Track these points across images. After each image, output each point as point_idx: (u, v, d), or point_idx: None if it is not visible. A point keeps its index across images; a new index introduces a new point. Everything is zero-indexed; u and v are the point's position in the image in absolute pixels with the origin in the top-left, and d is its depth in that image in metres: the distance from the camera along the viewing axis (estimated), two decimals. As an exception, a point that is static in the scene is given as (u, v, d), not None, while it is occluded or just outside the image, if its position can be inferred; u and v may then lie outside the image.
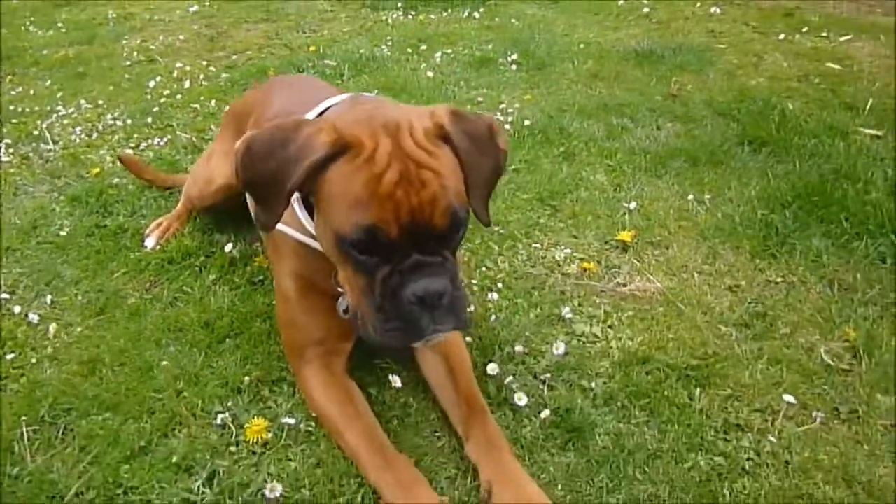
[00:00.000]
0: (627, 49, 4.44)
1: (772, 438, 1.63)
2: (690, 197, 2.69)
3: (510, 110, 3.50)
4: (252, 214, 1.53)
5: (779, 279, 2.23)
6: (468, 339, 1.86)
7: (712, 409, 1.71)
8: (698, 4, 5.41)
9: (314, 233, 1.54)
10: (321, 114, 1.62)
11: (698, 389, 1.76)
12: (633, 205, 2.60)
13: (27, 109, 3.74)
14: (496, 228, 2.45)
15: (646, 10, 5.30)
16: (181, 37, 4.96)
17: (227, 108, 3.05)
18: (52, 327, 2.07)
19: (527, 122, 3.29)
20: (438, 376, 1.71)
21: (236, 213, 2.32)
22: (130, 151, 3.22)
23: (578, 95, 3.74)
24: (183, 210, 2.57)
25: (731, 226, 2.49)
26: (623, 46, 4.51)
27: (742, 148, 3.09)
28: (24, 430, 1.70)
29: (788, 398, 1.73)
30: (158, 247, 2.43)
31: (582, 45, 4.52)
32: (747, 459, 1.58)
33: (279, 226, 1.65)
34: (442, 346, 1.71)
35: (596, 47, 4.52)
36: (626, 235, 2.38)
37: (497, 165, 1.53)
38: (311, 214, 1.55)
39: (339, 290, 1.62)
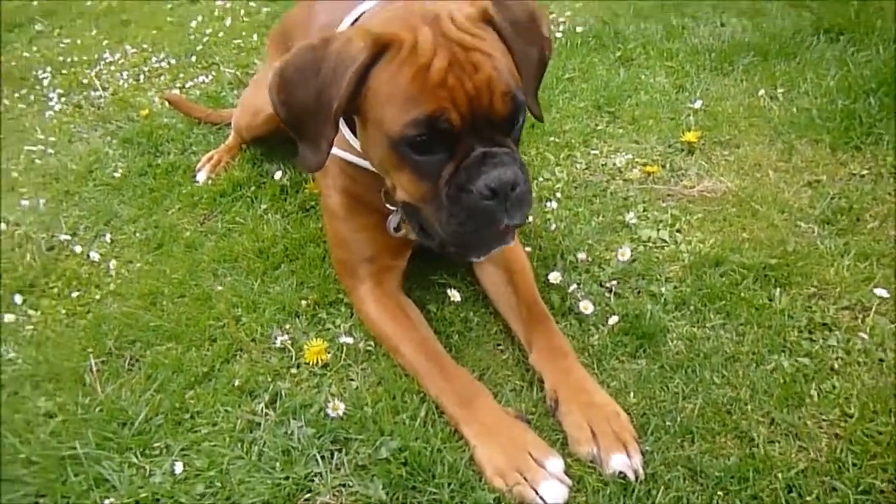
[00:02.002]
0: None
1: (863, 336, 1.50)
2: (761, 93, 2.49)
3: (561, 19, 3.31)
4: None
5: (864, 171, 2.04)
6: (528, 248, 1.77)
7: (794, 308, 1.59)
8: None
9: (360, 150, 1.47)
10: (354, 23, 1.52)
11: (778, 289, 1.64)
12: (697, 104, 2.42)
13: (76, 59, 3.76)
14: (552, 138, 2.33)
15: None
16: (221, -25, 4.86)
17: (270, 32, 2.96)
18: (113, 264, 2.09)
19: (579, 29, 3.10)
20: (498, 286, 1.64)
21: (285, 142, 2.27)
22: (177, 91, 3.19)
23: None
24: (233, 143, 2.54)
25: (807, 119, 2.29)
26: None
27: (817, 38, 2.84)
28: (93, 362, 1.72)
29: (881, 292, 1.59)
30: (210, 180, 2.41)
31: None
32: (836, 359, 1.46)
33: None
34: (501, 255, 1.63)
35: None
36: (691, 136, 2.22)
37: (543, 54, 1.42)
38: (353, 132, 1.48)
39: (389, 206, 1.55)
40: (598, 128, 2.40)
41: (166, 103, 3.06)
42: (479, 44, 1.24)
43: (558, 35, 3.08)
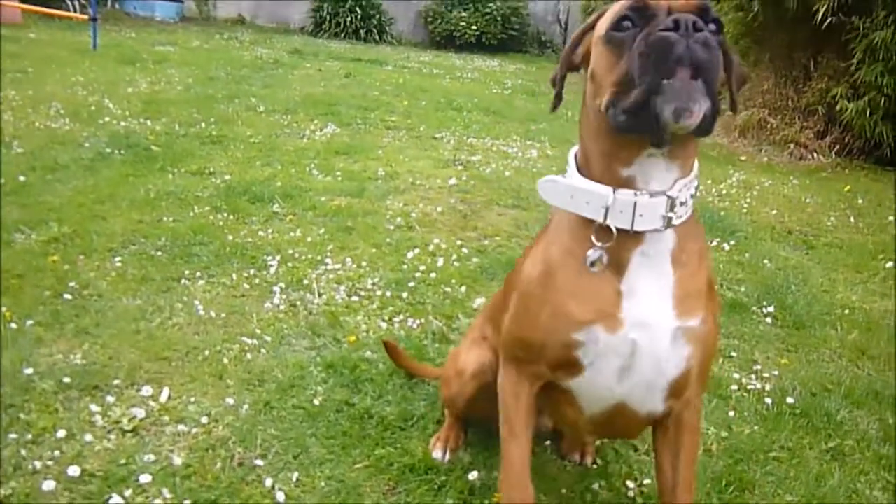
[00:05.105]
0: (901, 326, 4.05)
1: None
2: None
3: (766, 375, 3.26)
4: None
5: None
6: None
7: None
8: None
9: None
10: None
11: None
12: (927, 554, 2.22)
13: (301, 256, 4.13)
14: (758, 538, 2.19)
15: (921, 280, 4.86)
16: (438, 208, 5.32)
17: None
18: (296, 516, 2.12)
19: (789, 400, 3.01)
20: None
21: (486, 430, 2.29)
22: (384, 325, 3.39)
23: (844, 373, 3.41)
24: (450, 418, 2.54)
25: None
26: (895, 321, 4.12)
27: None
28: None
29: None
30: (448, 458, 2.41)
31: (846, 310, 4.19)
32: None
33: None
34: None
35: (861, 315, 4.17)
36: None
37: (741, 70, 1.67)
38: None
39: (595, 241, 1.59)
40: (810, 540, 2.24)
41: (370, 333, 3.26)
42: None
43: (767, 401, 3.01)
